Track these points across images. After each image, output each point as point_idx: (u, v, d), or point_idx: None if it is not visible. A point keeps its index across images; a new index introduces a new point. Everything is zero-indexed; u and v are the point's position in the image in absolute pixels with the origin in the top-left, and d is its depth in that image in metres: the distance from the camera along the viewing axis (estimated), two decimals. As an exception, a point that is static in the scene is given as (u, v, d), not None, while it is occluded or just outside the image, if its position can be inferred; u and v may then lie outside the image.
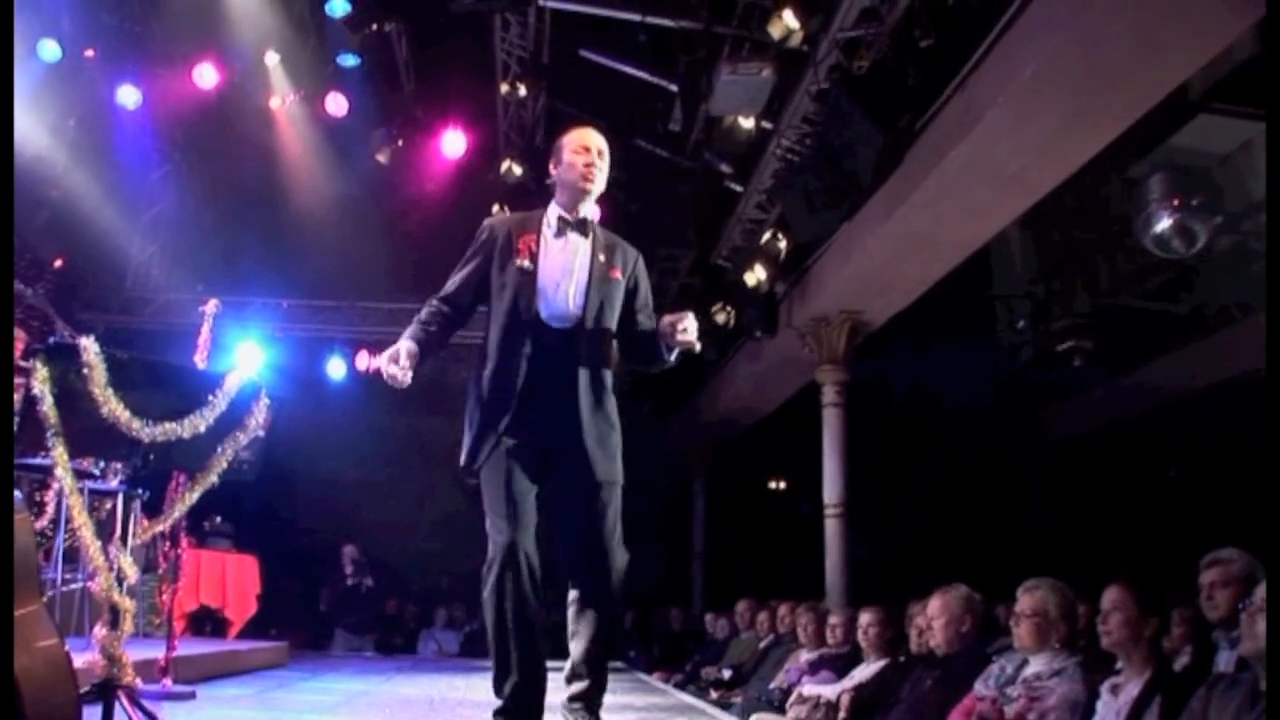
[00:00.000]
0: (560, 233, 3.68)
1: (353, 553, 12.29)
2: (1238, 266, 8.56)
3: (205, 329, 4.81)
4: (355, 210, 11.44)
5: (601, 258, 3.68)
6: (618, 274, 3.71)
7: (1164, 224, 7.52)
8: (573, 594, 3.60)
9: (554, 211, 3.73)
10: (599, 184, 3.74)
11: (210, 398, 3.59)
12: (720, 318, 10.05)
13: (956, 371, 12.09)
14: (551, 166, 3.80)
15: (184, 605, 8.14)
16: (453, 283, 3.71)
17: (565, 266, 3.64)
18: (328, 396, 12.59)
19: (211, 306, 4.91)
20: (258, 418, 3.81)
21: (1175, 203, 7.49)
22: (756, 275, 9.27)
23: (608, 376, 3.64)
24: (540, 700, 3.54)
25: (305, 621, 11.42)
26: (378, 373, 3.50)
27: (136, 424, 3.26)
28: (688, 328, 3.53)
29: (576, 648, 3.59)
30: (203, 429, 3.52)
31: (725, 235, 10.17)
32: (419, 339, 3.55)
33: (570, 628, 3.62)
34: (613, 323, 3.68)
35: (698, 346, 3.61)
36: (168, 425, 3.37)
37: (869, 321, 9.34)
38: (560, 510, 3.62)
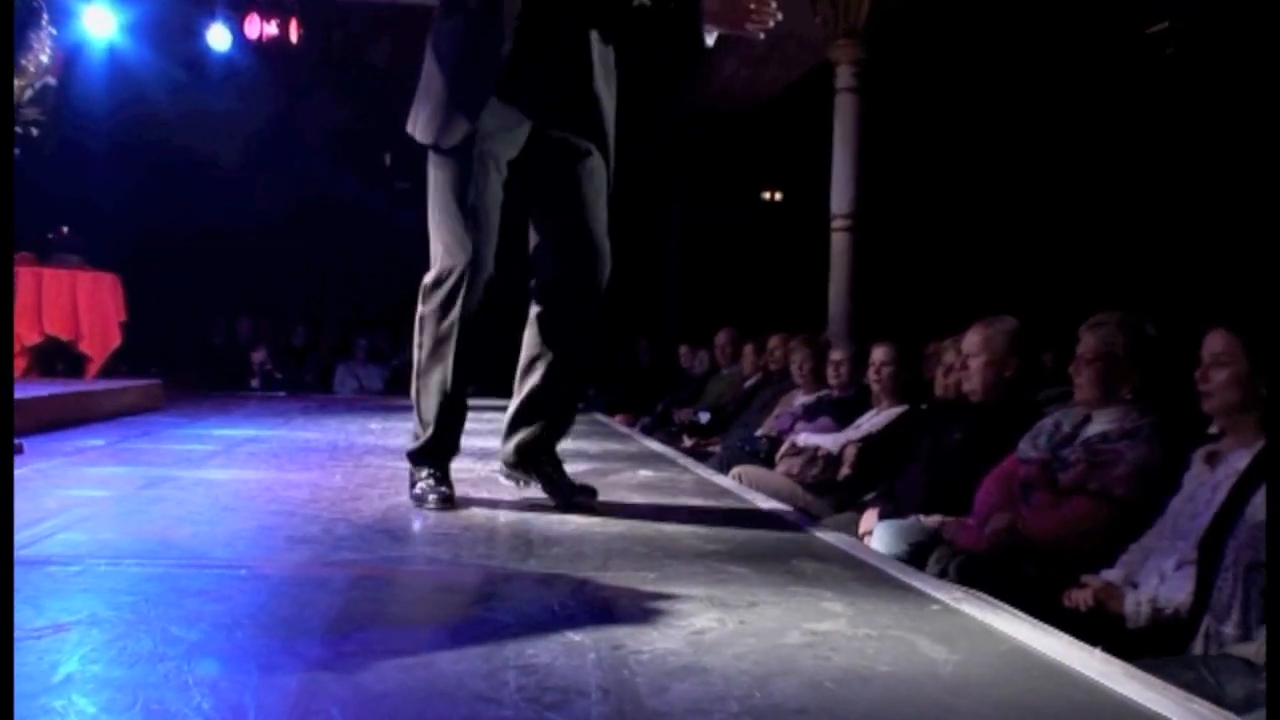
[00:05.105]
0: None
1: (261, 358, 12.20)
2: None
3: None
4: None
5: None
6: None
7: None
8: (536, 309, 3.45)
9: None
10: None
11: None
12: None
13: (992, 59, 11.49)
14: None
15: (24, 338, 7.65)
16: None
17: None
18: (212, 74, 11.79)
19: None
20: (40, 56, 3.12)
21: None
22: (760, -82, 8.62)
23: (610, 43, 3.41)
24: (458, 432, 3.50)
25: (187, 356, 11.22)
26: (272, 41, 2.98)
27: None
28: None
29: (532, 377, 3.47)
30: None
31: None
32: None
33: (526, 353, 3.50)
34: None
35: (760, 35, 3.34)
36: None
37: (898, -12, 8.97)
38: (538, 193, 3.42)
